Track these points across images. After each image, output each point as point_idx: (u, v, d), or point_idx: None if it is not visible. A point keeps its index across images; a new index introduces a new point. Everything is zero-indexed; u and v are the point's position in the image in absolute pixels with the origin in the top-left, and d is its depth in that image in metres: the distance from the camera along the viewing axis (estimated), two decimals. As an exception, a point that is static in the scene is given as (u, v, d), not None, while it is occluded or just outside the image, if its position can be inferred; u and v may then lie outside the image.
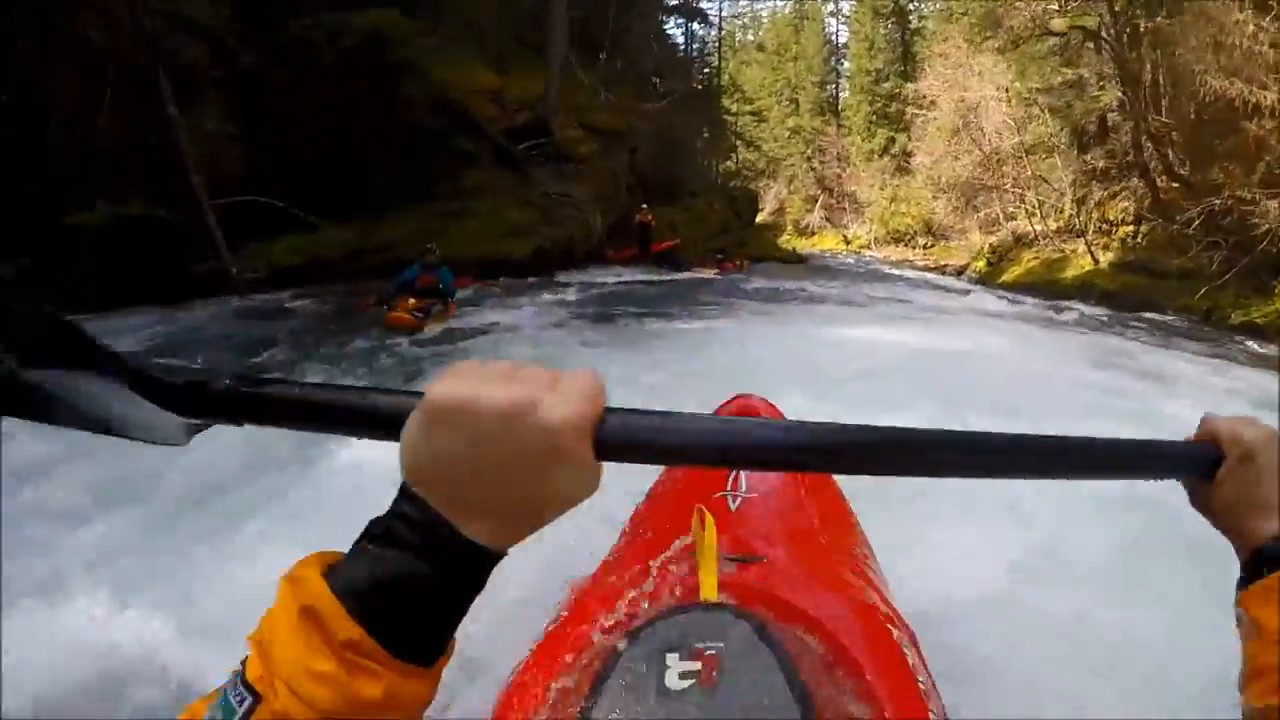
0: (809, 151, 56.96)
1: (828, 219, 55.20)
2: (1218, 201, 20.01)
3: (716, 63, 37.29)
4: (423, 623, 0.57)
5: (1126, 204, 27.34)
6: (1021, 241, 32.68)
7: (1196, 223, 20.56)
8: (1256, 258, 19.09)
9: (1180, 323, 18.71)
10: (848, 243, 51.98)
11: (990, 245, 34.61)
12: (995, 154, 33.87)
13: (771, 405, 2.48)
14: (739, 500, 1.92)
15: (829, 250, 48.32)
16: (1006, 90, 32.23)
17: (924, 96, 40.22)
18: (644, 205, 21.50)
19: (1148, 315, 19.32)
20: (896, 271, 34.50)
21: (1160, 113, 26.12)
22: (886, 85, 54.06)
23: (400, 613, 0.56)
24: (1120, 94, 27.79)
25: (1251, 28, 20.10)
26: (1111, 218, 27.93)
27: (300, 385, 0.66)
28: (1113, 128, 29.76)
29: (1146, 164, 26.01)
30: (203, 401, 0.66)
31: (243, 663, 0.57)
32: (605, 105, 20.85)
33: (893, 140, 52.60)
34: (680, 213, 25.47)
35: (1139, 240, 26.33)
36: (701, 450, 0.63)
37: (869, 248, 49.18)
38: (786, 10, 64.84)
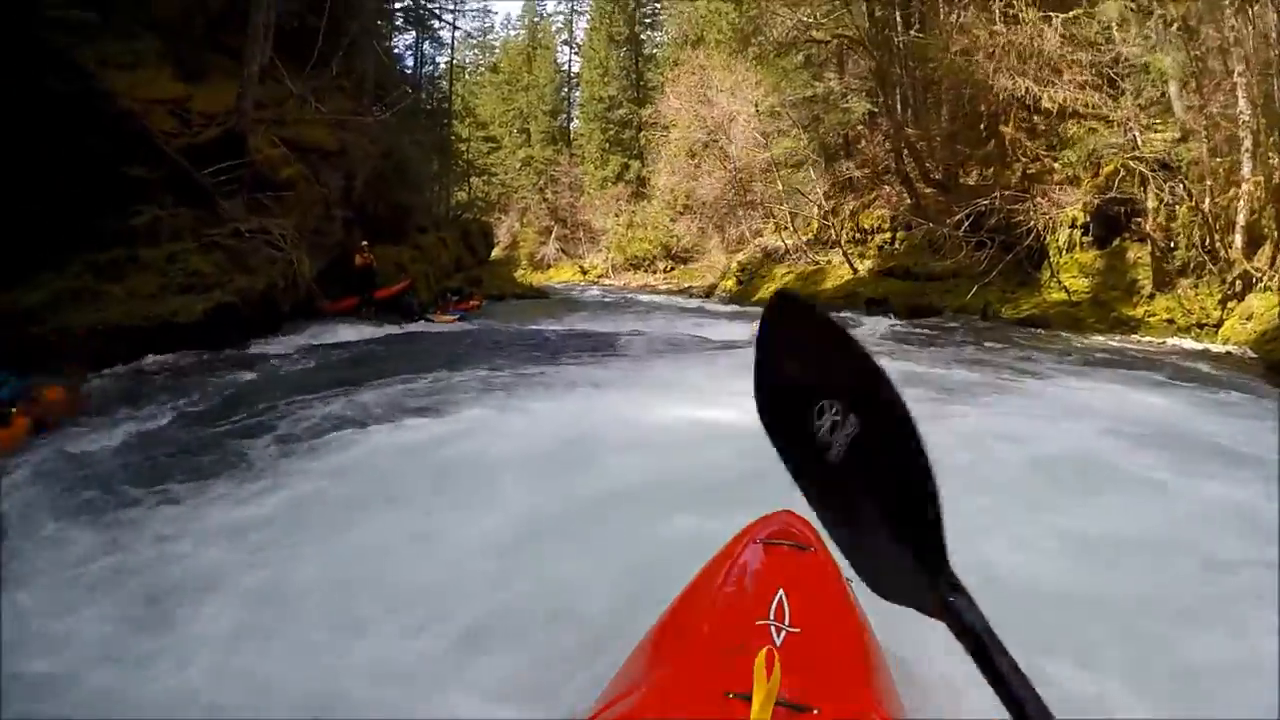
0: (541, 182, 54.72)
1: (563, 250, 53.10)
2: (985, 202, 20.62)
3: (448, 84, 33.53)
4: None
5: (882, 211, 27.46)
6: (772, 257, 31.89)
7: (966, 224, 21.07)
8: (1020, 253, 20.15)
9: (957, 323, 18.96)
10: (584, 273, 50.20)
11: (739, 263, 33.43)
12: (744, 171, 33.00)
13: (805, 521, 2.32)
14: (783, 634, 1.76)
15: (567, 282, 46.09)
16: (756, 106, 31.23)
17: (662, 117, 39.09)
18: (364, 243, 17.78)
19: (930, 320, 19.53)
20: (646, 298, 32.43)
21: (915, 123, 26.77)
22: (620, 112, 52.84)
23: None
24: (871, 106, 27.94)
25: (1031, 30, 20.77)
26: (867, 226, 27.92)
27: None
28: (857, 138, 29.87)
29: (906, 172, 26.22)
30: None
31: None
32: (316, 119, 16.86)
33: (626, 166, 51.63)
34: (409, 250, 21.82)
35: (896, 246, 26.44)
36: None
37: (607, 276, 47.66)
38: (519, 39, 62.35)
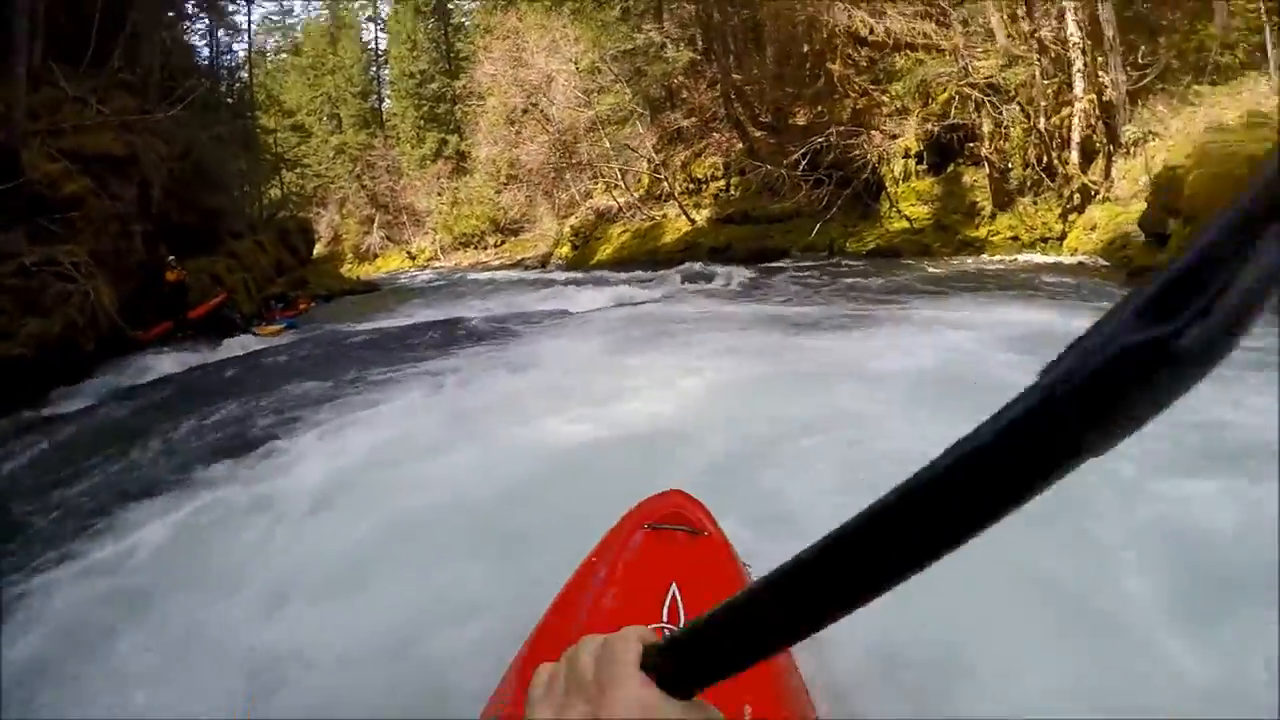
0: (358, 169, 52.16)
1: (389, 238, 50.87)
2: (819, 140, 20.92)
3: (248, 73, 30.90)
4: None
5: (715, 159, 27.16)
6: (605, 217, 31.18)
7: (802, 164, 21.28)
8: (858, 186, 20.57)
9: (808, 262, 19.17)
10: (413, 258, 48.37)
11: (572, 228, 32.56)
12: (568, 132, 32.01)
13: (696, 501, 2.19)
14: None
15: (396, 270, 44.06)
16: (575, 63, 30.29)
17: (478, 86, 37.67)
18: (170, 258, 15.96)
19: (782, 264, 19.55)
20: (480, 276, 31.21)
21: (739, 67, 26.96)
22: (432, 86, 50.94)
23: None
24: (693, 54, 27.57)
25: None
26: (700, 175, 27.62)
27: None
28: (680, 88, 29.49)
29: (737, 117, 25.94)
30: None
31: None
32: (98, 122, 14.81)
33: (444, 142, 49.98)
34: (224, 259, 19.89)
35: (732, 192, 26.30)
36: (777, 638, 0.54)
37: (436, 258, 46.05)
38: (321, 20, 59.02)
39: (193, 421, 7.99)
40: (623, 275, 20.85)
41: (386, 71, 57.28)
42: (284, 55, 58.12)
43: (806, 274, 16.52)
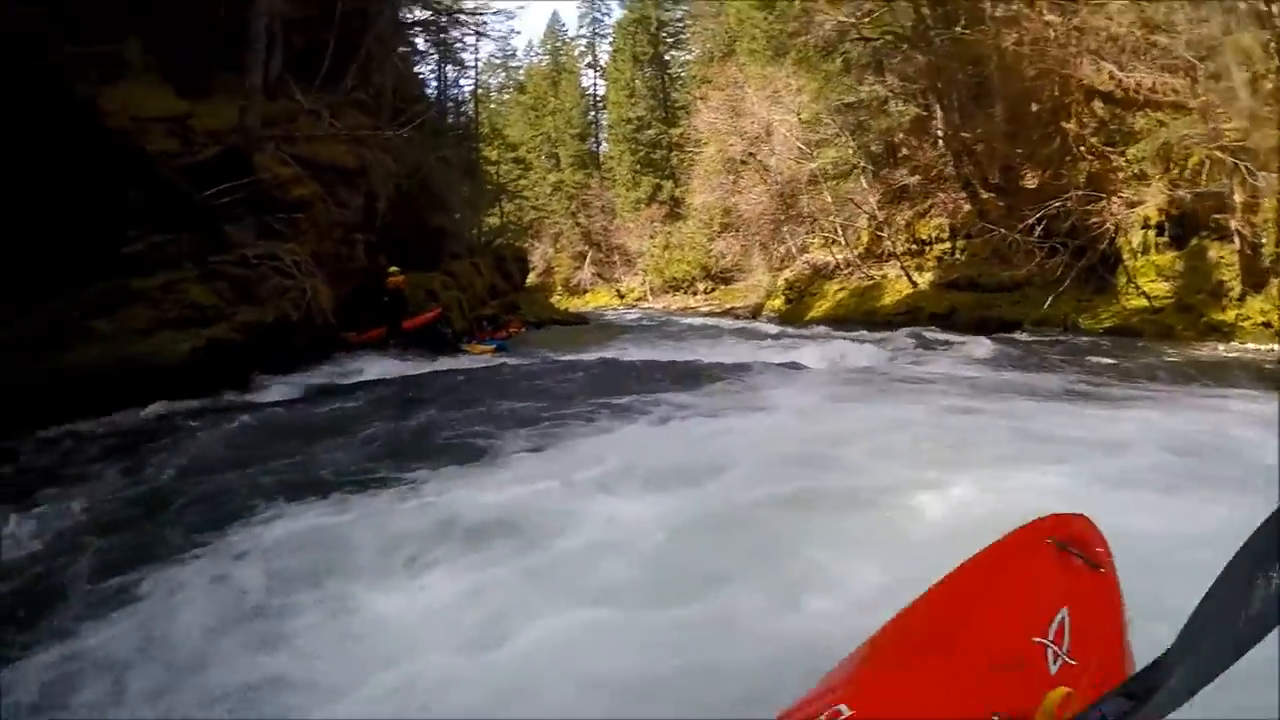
0: (573, 206, 53.07)
1: (599, 274, 51.35)
2: (1056, 204, 19.13)
3: (473, 106, 31.77)
4: None
5: (940, 220, 25.33)
6: (821, 273, 29.68)
7: (1038, 230, 19.44)
8: (1093, 258, 18.73)
9: (1043, 337, 17.47)
10: (621, 297, 48.48)
11: (786, 281, 31.24)
12: (788, 184, 30.85)
13: (1100, 534, 2.03)
14: (1059, 663, 1.51)
15: (604, 306, 44.28)
16: (798, 114, 29.17)
17: (695, 133, 37.34)
18: (393, 268, 15.96)
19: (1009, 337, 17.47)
20: (689, 320, 30.48)
21: (966, 124, 24.77)
22: (649, 133, 51.24)
23: None
24: (918, 109, 25.76)
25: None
26: (924, 236, 25.81)
27: None
28: (900, 144, 27.73)
29: (967, 177, 24.26)
30: None
31: None
32: (331, 135, 15.02)
33: (659, 187, 49.98)
34: (440, 277, 19.98)
35: (957, 256, 24.44)
36: None
37: (644, 299, 45.91)
38: (542, 64, 60.87)
39: (393, 425, 7.51)
40: (843, 334, 19.67)
41: (604, 116, 58.38)
42: (508, 93, 60.16)
43: (1043, 349, 15.00)
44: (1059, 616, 1.63)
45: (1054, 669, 1.49)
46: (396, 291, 15.55)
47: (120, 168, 11.93)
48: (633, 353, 15.23)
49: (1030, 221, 19.45)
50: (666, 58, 53.74)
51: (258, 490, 5.04)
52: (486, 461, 5.75)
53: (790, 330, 23.30)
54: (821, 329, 22.75)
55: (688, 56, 53.22)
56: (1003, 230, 20.82)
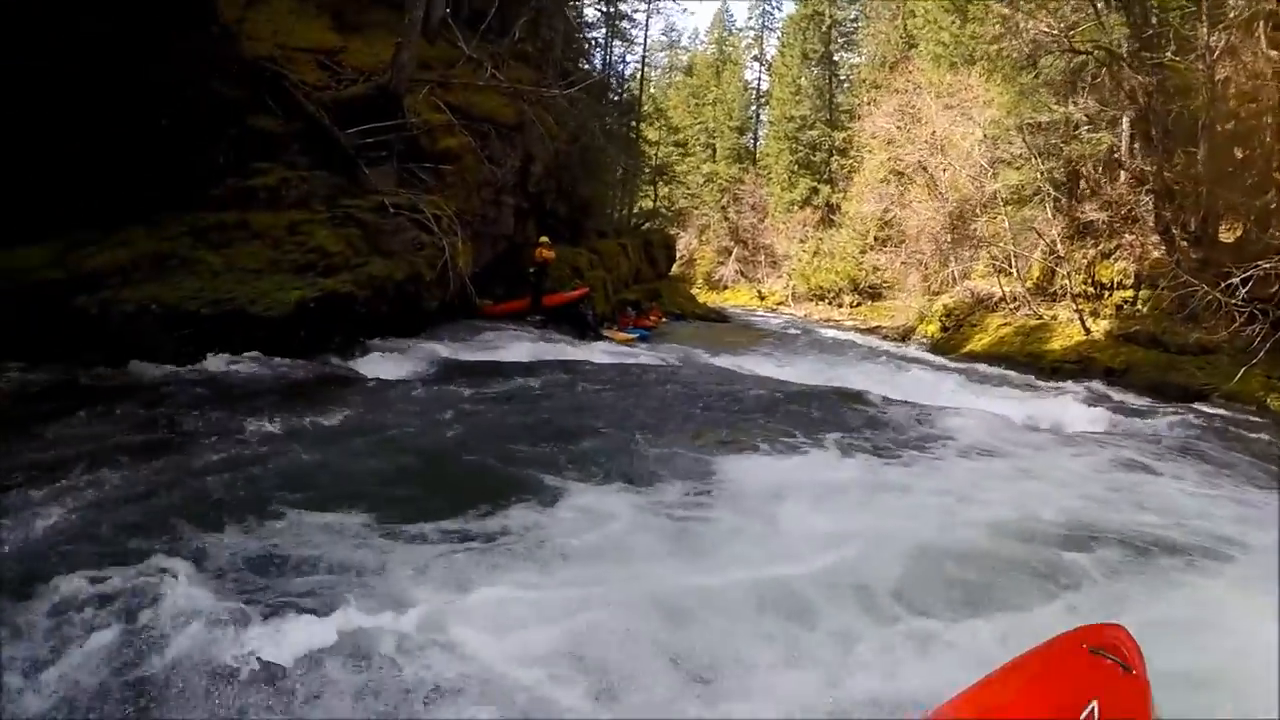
0: (724, 200, 51.11)
1: (741, 273, 49.32)
2: (1266, 265, 16.05)
3: (639, 82, 30.12)
4: None
5: (1124, 265, 22.41)
6: (983, 303, 26.89)
7: (1243, 290, 16.07)
8: None
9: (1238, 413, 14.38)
10: (762, 298, 46.39)
11: (945, 307, 28.56)
12: (963, 203, 28.04)
13: (1133, 640, 2.32)
14: None
15: (743, 306, 42.19)
16: (984, 130, 26.39)
17: (862, 134, 34.91)
18: (544, 238, 14.49)
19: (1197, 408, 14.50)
20: (835, 334, 28.41)
21: (1167, 161, 21.60)
22: (811, 133, 48.79)
23: None
24: (1115, 139, 23.13)
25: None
26: (1104, 280, 22.85)
27: None
28: (1089, 176, 24.65)
29: (1168, 221, 21.27)
30: None
31: None
32: (491, 86, 13.50)
33: (816, 190, 47.55)
34: (586, 254, 18.46)
35: (1138, 307, 21.52)
36: None
37: (786, 304, 43.77)
38: (707, 53, 59.03)
39: (526, 415, 5.98)
40: (1011, 375, 18.06)
41: (765, 112, 56.22)
42: (675, 73, 58.14)
43: (1240, 426, 12.53)
44: (1089, 708, 1.84)
45: None
46: (544, 264, 14.04)
47: (254, 93, 10.81)
48: (788, 367, 13.34)
49: (1236, 280, 16.51)
50: (836, 58, 51.14)
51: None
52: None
53: (950, 363, 20.96)
54: (983, 367, 20.42)
55: (857, 59, 50.53)
56: (1204, 286, 18.00)
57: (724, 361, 12.95)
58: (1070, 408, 11.20)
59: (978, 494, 5.26)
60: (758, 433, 6.49)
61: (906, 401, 9.08)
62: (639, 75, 30.05)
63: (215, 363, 6.92)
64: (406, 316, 10.01)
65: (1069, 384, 16.79)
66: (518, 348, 10.50)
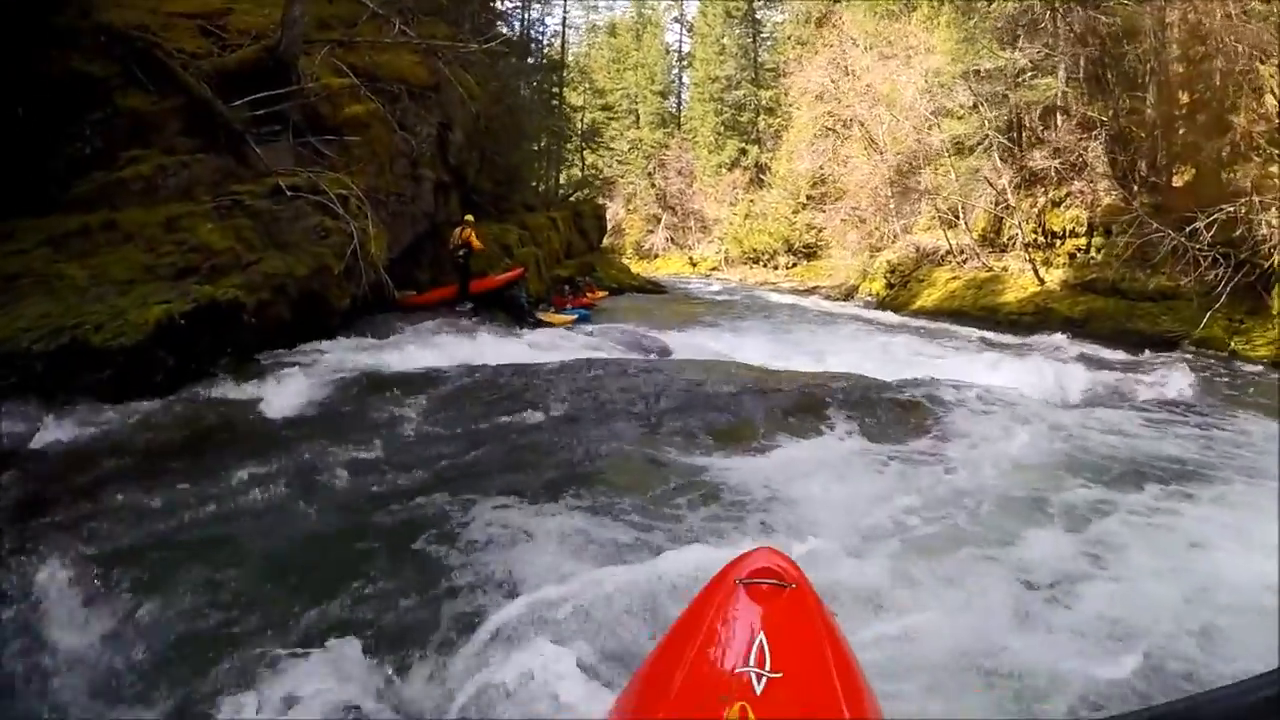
0: (650, 166, 49.53)
1: (671, 240, 47.88)
2: (1229, 209, 16.02)
3: (561, 40, 28.22)
4: None
5: (1076, 212, 21.77)
6: (928, 258, 25.96)
7: (1207, 235, 16.35)
8: (1250, 274, 16.03)
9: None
10: (694, 265, 45.11)
11: (889, 263, 27.57)
12: (905, 156, 26.95)
13: (785, 557, 2.22)
14: (764, 681, 1.71)
15: (676, 274, 40.86)
16: (926, 78, 25.26)
17: (791, 91, 33.58)
18: (468, 216, 12.87)
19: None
20: (779, 298, 27.24)
21: (1115, 109, 21.42)
22: (737, 94, 47.43)
23: None
24: (1066, 86, 22.49)
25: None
26: (1056, 229, 22.24)
27: None
28: (1036, 124, 23.84)
29: (1124, 169, 20.97)
30: None
31: None
32: (400, 43, 11.70)
33: (744, 152, 46.28)
34: (515, 231, 16.82)
35: (1093, 255, 20.96)
36: None
37: (719, 269, 42.64)
38: (627, 16, 57.00)
39: (461, 440, 4.62)
40: (973, 332, 17.56)
41: (688, 74, 54.57)
42: (597, 33, 55.60)
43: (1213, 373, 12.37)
44: (757, 642, 1.78)
45: (760, 688, 1.66)
46: (468, 245, 12.41)
47: (127, 71, 9.12)
48: (748, 344, 12.08)
49: (1200, 225, 16.55)
50: (759, 15, 49.62)
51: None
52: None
53: (912, 322, 20.13)
54: (942, 325, 19.70)
55: (780, 16, 49.06)
56: (1169, 232, 17.21)
57: (678, 340, 11.57)
58: (1073, 371, 10.01)
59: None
60: (759, 432, 5.17)
61: (903, 381, 7.77)
62: (561, 36, 28.15)
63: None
64: (313, 319, 8.40)
65: (1037, 338, 16.45)
66: (446, 345, 8.92)
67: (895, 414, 6.51)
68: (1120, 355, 14.35)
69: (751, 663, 1.73)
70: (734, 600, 2.00)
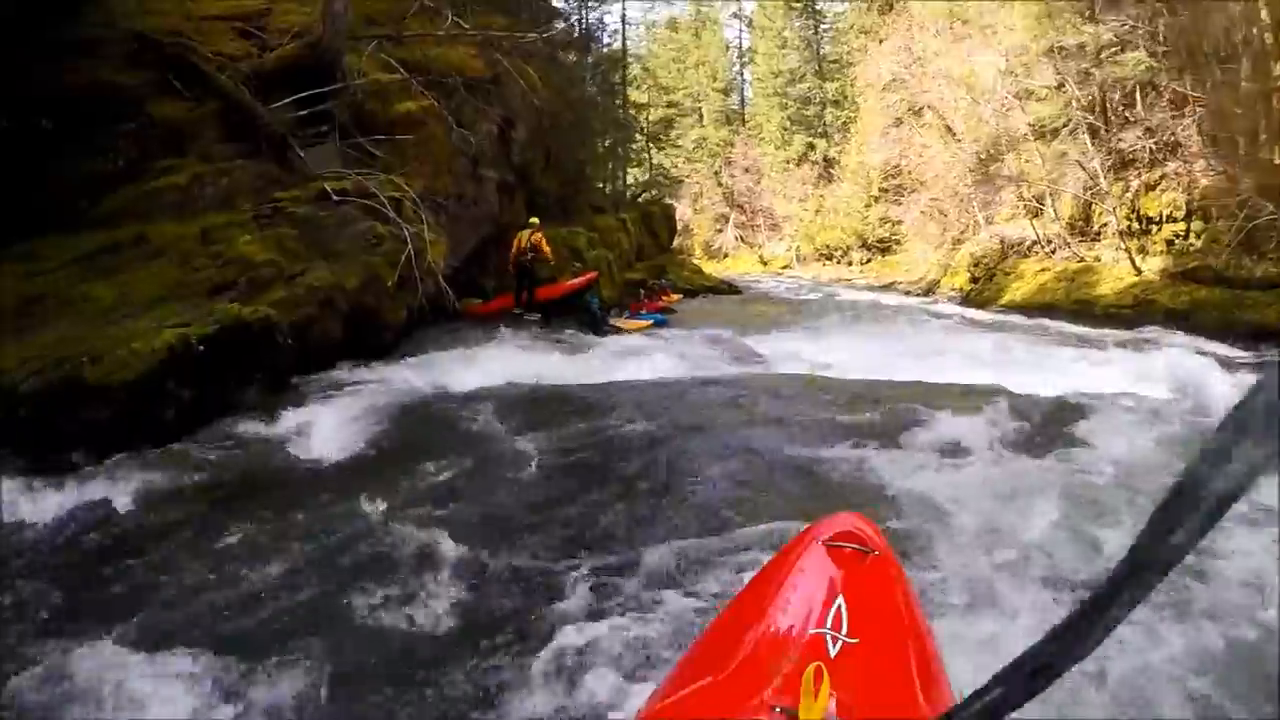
0: (716, 165, 48.44)
1: (740, 238, 46.71)
2: None
3: (621, 38, 27.21)
4: None
5: (1173, 195, 19.84)
6: (1015, 250, 24.42)
7: None
8: None
9: None
10: (764, 263, 43.94)
11: (972, 256, 26.03)
12: (986, 142, 25.34)
13: (871, 523, 2.15)
14: (839, 644, 1.65)
15: (746, 273, 39.53)
16: (1008, 58, 23.73)
17: (861, 80, 32.22)
18: (533, 220, 11.87)
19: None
20: (859, 296, 26.06)
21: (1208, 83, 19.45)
22: (801, 87, 46.13)
23: None
24: (1155, 62, 20.26)
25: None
26: (1151, 214, 20.35)
27: None
28: (1125, 103, 21.97)
29: (1228, 145, 18.77)
30: None
31: None
32: (455, 35, 10.70)
33: (811, 146, 44.93)
34: (584, 233, 15.81)
35: (1192, 240, 19.23)
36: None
37: (790, 266, 41.58)
38: (686, 15, 55.86)
39: (547, 493, 3.66)
40: (1072, 328, 16.34)
41: (750, 70, 53.30)
42: (657, 27, 54.34)
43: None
44: (835, 605, 1.73)
45: (834, 651, 1.60)
46: (535, 250, 11.40)
47: (161, 78, 8.35)
48: (843, 345, 10.97)
49: None
50: (819, 6, 48.17)
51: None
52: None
53: (1005, 319, 18.82)
54: (1041, 321, 18.42)
55: (842, 6, 47.53)
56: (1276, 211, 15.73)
57: (767, 346, 10.42)
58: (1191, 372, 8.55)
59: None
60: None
61: (1036, 395, 6.51)
62: (620, 32, 27.13)
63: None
64: (365, 335, 7.47)
65: (1142, 334, 15.07)
66: (514, 361, 7.87)
67: (1049, 431, 5.32)
68: (1240, 352, 13.01)
69: (829, 625, 1.69)
70: (815, 561, 1.96)
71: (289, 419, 5.14)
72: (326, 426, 5.03)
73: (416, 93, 9.80)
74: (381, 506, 3.84)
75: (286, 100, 8.66)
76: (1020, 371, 8.36)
